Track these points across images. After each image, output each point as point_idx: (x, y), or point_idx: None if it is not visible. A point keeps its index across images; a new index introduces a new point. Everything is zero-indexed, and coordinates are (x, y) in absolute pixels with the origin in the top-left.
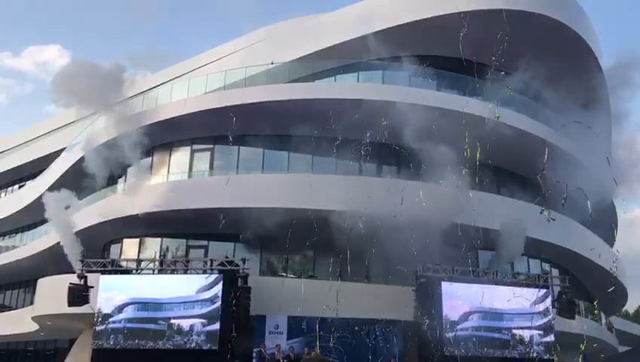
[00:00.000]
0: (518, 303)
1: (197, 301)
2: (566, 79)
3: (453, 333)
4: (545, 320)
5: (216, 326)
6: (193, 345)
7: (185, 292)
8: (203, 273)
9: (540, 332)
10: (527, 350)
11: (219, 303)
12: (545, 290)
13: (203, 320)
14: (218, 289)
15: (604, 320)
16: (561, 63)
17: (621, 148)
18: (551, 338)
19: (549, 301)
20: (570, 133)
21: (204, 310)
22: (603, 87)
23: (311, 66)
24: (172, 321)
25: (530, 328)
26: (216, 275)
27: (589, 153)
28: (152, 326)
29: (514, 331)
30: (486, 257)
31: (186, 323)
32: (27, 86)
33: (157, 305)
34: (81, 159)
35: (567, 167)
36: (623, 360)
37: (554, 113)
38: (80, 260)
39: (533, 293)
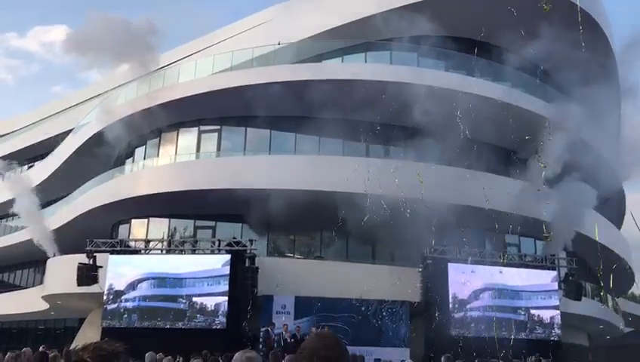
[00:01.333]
0: (533, 281)
1: (223, 275)
2: (574, 57)
3: (462, 313)
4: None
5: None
6: (219, 326)
7: (207, 266)
8: (211, 253)
9: (558, 313)
10: (549, 332)
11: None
12: (555, 272)
13: (223, 299)
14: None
15: (610, 302)
16: (569, 41)
17: (630, 126)
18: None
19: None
20: (579, 115)
21: (224, 287)
22: (612, 61)
23: (318, 46)
24: (194, 299)
25: (550, 308)
26: (228, 255)
27: (598, 135)
28: (170, 304)
29: (532, 311)
30: (493, 239)
31: (210, 302)
32: (33, 67)
33: (176, 281)
34: (89, 139)
35: (575, 149)
36: (627, 340)
37: (562, 94)
38: (88, 240)
39: (545, 274)
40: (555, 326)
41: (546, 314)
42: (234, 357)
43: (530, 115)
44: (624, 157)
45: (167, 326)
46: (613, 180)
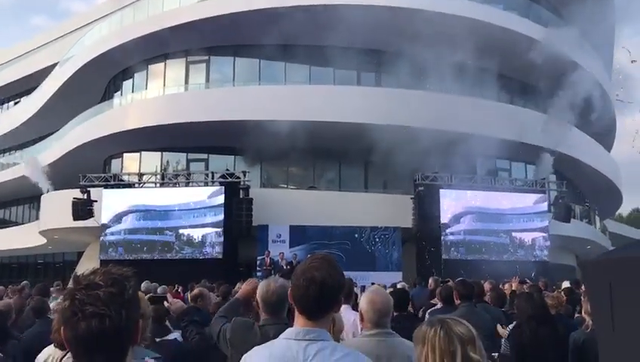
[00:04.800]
0: (517, 204)
1: (210, 207)
2: None
3: (444, 237)
4: (547, 222)
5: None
6: (208, 256)
7: (195, 198)
8: (205, 186)
9: (544, 234)
10: (530, 254)
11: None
12: (543, 195)
13: (217, 229)
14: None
15: (598, 224)
16: None
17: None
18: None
19: (546, 205)
20: (574, 37)
21: (219, 218)
22: None
23: None
24: (181, 231)
25: (531, 230)
26: (221, 187)
27: (590, 56)
28: (155, 237)
29: (513, 234)
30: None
31: (197, 233)
32: None
33: (161, 213)
34: (77, 72)
35: (566, 71)
36: (611, 255)
37: (557, 17)
38: (82, 175)
39: (532, 197)
40: (543, 247)
41: (529, 237)
42: (264, 285)
43: (523, 37)
44: (616, 79)
45: (156, 258)
46: (605, 103)
